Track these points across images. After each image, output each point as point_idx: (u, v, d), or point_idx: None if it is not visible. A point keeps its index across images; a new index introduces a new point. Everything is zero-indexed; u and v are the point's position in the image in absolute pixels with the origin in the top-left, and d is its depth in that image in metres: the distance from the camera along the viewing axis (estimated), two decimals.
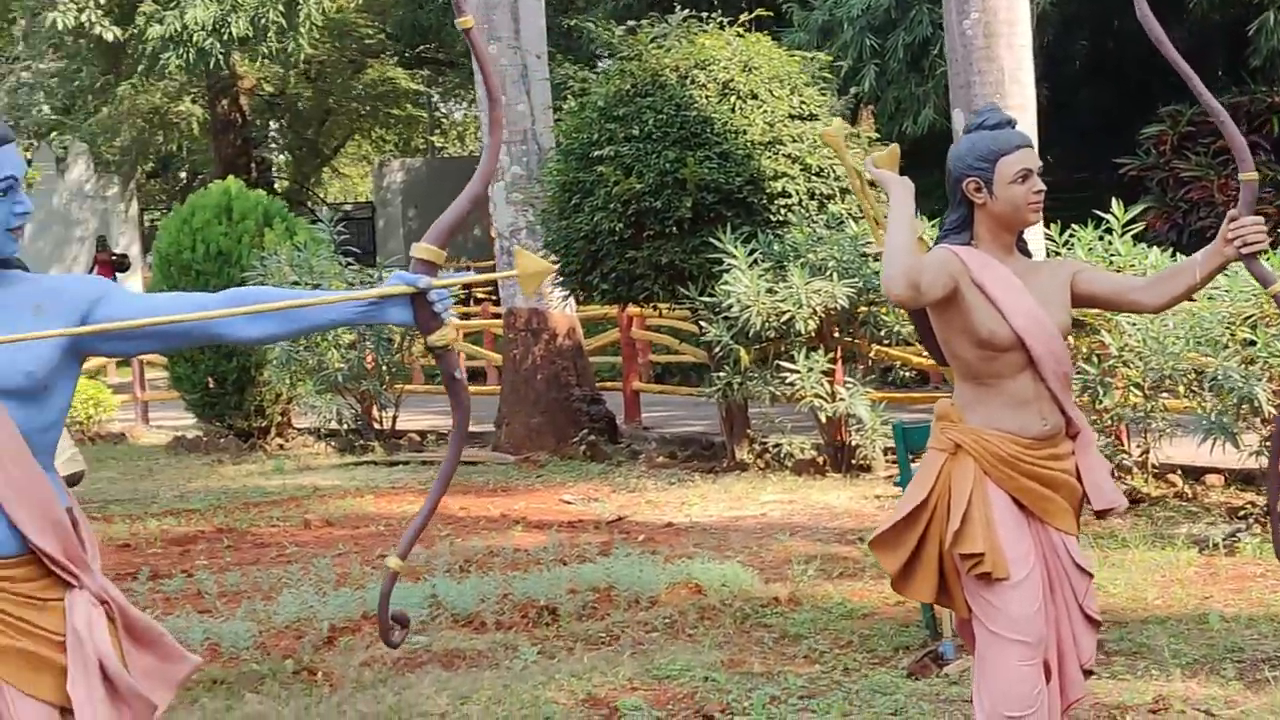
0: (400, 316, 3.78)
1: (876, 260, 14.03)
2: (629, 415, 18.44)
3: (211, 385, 19.11)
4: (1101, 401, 11.89)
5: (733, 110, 15.18)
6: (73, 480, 14.81)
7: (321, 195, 51.41)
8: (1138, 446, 12.25)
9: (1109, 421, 12.04)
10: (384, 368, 18.20)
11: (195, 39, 29.86)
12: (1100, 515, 5.42)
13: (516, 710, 7.31)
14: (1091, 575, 5.32)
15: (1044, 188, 5.22)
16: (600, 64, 16.94)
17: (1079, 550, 5.29)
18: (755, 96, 15.33)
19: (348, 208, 49.11)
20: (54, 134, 41.95)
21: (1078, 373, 12.16)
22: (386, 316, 3.79)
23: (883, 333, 14.11)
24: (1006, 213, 5.18)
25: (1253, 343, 10.89)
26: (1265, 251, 5.17)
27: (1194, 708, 6.80)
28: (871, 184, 6.68)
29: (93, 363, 23.82)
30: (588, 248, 15.17)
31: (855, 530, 11.30)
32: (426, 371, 20.60)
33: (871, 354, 14.89)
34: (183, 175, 49.87)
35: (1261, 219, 5.09)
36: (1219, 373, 10.85)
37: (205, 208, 19.69)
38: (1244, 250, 5.03)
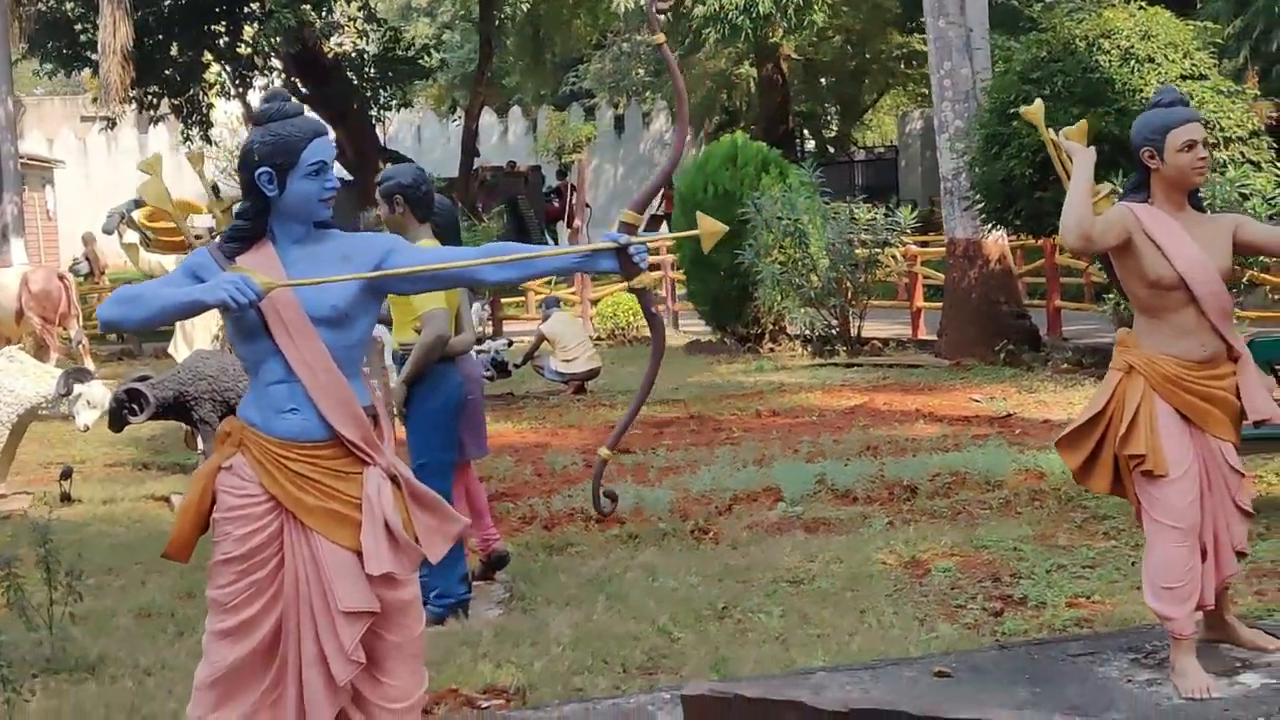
0: (609, 265, 4.11)
1: (1247, 199, 13.64)
2: (1051, 329, 18.21)
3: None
4: None
5: (1131, 73, 14.87)
6: (591, 374, 15.77)
7: (859, 141, 51.47)
8: None
9: None
10: (850, 286, 18.55)
11: (730, 16, 30.53)
12: (1257, 425, 5.44)
13: (849, 568, 7.60)
14: (1244, 475, 5.34)
15: (1207, 155, 5.26)
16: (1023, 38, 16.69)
17: (1234, 454, 5.32)
18: (1152, 60, 14.97)
19: (880, 150, 49.33)
20: (647, 93, 43.49)
21: None
22: (599, 265, 4.13)
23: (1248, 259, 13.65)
24: (1175, 176, 5.27)
25: None
26: None
27: None
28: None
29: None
30: (1004, 189, 15.12)
31: None
32: (885, 290, 20.71)
33: (1244, 278, 14.40)
34: (742, 128, 50.90)
35: None
36: None
37: (716, 156, 20.26)
38: None
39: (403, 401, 6.86)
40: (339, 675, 3.97)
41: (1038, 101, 6.17)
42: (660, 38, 4.39)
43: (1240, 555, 5.40)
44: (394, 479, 4.16)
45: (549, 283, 25.21)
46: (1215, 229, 5.33)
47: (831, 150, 49.18)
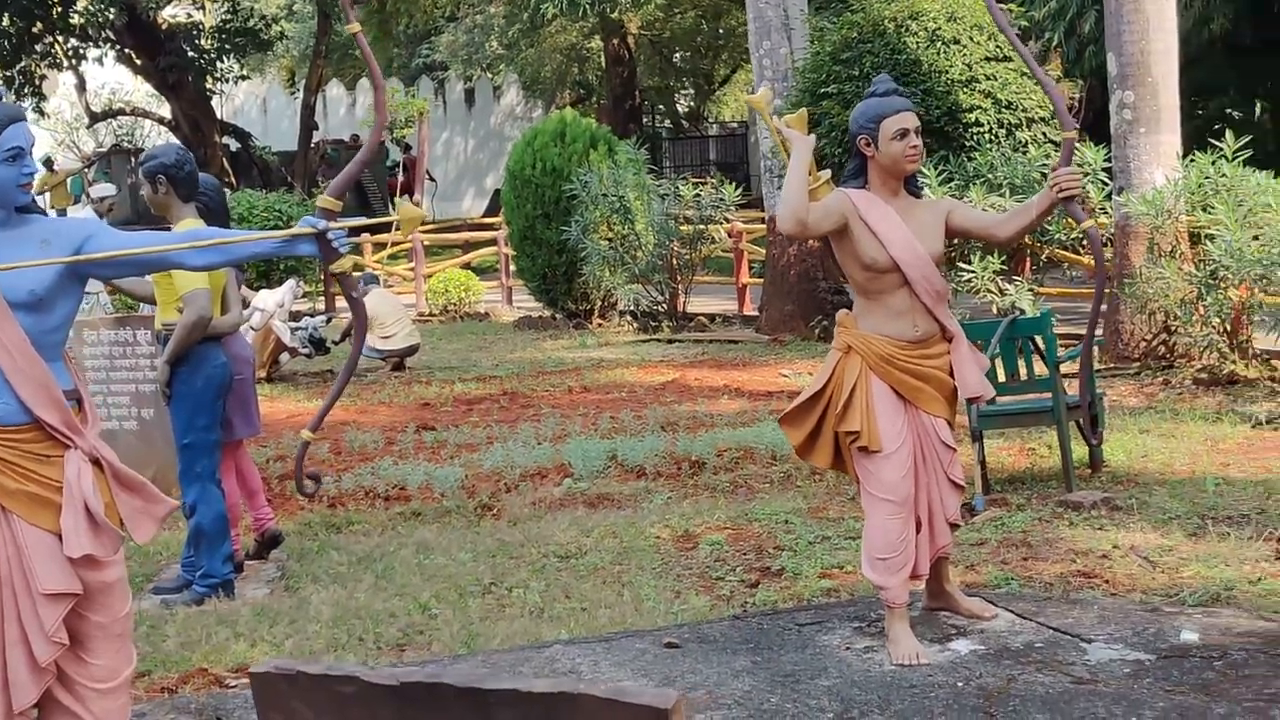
0: (308, 250, 4.19)
1: (1044, 177, 14.01)
2: None
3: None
4: (1206, 298, 11.77)
5: (938, 54, 15.23)
6: (410, 351, 15.81)
7: (713, 116, 51.66)
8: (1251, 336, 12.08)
9: (1216, 314, 11.89)
10: (676, 262, 18.78)
11: None
12: (970, 403, 5.69)
13: (621, 543, 7.77)
14: (955, 450, 5.58)
15: (919, 143, 5.48)
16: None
17: (947, 430, 5.55)
18: (958, 42, 15.35)
19: (733, 126, 49.64)
20: (500, 67, 43.37)
21: (1191, 277, 12.03)
22: (298, 250, 4.21)
23: (1046, 238, 14.06)
24: (889, 164, 5.47)
25: None
26: (1079, 196, 5.35)
27: (1138, 554, 6.90)
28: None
29: (467, 256, 24.94)
30: (817, 169, 15.37)
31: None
32: (714, 265, 20.94)
33: (1044, 255, 14.81)
34: (596, 101, 50.91)
35: (1077, 170, 5.31)
36: None
37: (545, 132, 20.37)
38: (1061, 195, 5.28)
39: (165, 382, 6.90)
40: (41, 656, 4.03)
41: (763, 88, 6.36)
42: (355, 27, 4.47)
43: (953, 526, 5.64)
44: (96, 462, 4.22)
45: (383, 259, 25.18)
46: (929, 214, 5.55)
47: (685, 125, 49.49)
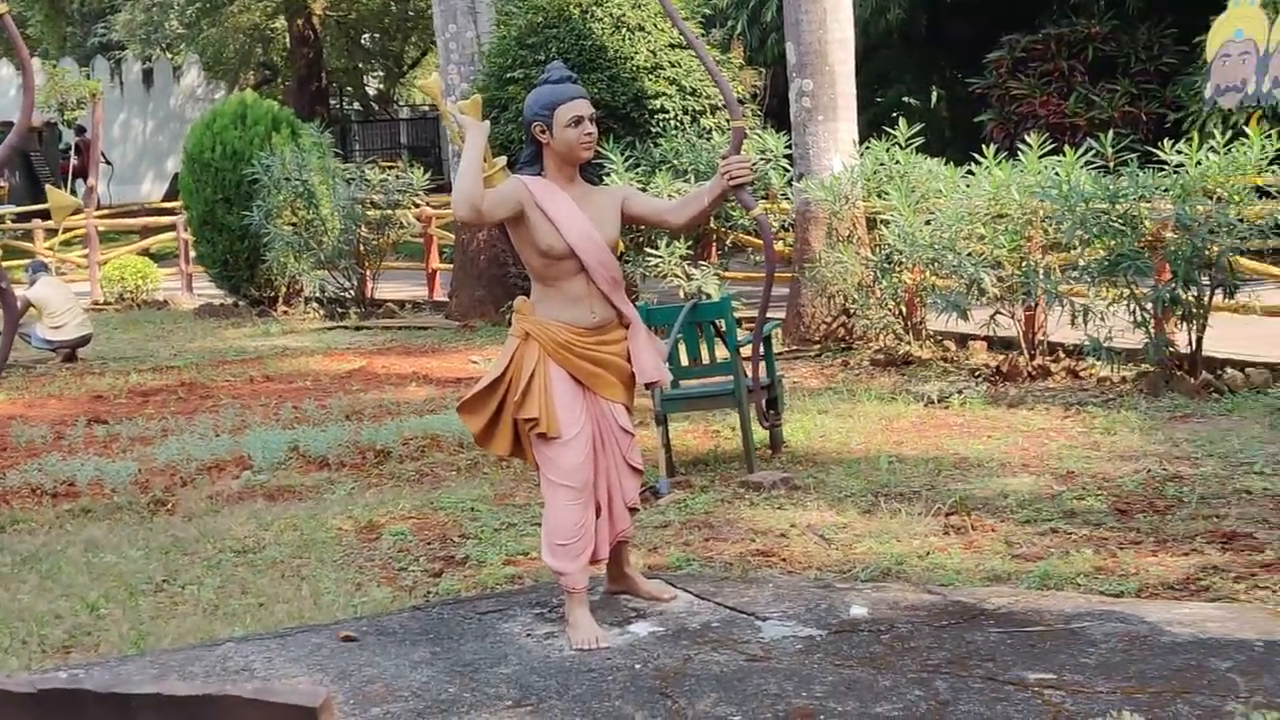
0: None
1: None
2: None
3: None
4: (881, 281, 12.21)
5: (623, 40, 15.41)
6: (82, 341, 15.31)
7: (404, 99, 51.19)
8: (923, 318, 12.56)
9: (892, 297, 12.33)
10: (364, 248, 18.60)
11: None
12: (649, 388, 5.79)
13: (302, 535, 7.66)
14: (633, 435, 5.67)
15: (594, 131, 5.54)
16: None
17: (625, 415, 5.63)
18: (642, 29, 15.56)
19: (425, 109, 49.28)
20: (182, 47, 42.15)
21: (868, 261, 12.44)
22: None
23: (731, 223, 14.39)
24: (564, 150, 5.50)
25: (983, 237, 11.17)
26: (751, 184, 5.49)
27: (814, 532, 7.11)
28: None
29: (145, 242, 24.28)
30: (503, 153, 15.41)
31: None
32: (403, 251, 20.81)
33: (730, 240, 15.15)
34: (281, 83, 49.97)
35: (748, 158, 5.45)
36: (955, 260, 11.13)
37: (225, 114, 19.94)
38: (731, 183, 5.42)
39: None
40: None
41: (434, 75, 6.34)
42: (2, 8, 4.32)
43: (632, 511, 5.73)
44: None
45: (54, 246, 24.32)
46: (605, 201, 5.62)
47: (375, 109, 48.96)
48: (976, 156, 11.70)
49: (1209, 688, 4.61)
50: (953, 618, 5.47)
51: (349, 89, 48.26)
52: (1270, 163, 10.30)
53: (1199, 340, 10.35)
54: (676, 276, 13.88)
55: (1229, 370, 10.35)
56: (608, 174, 13.95)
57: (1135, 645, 5.06)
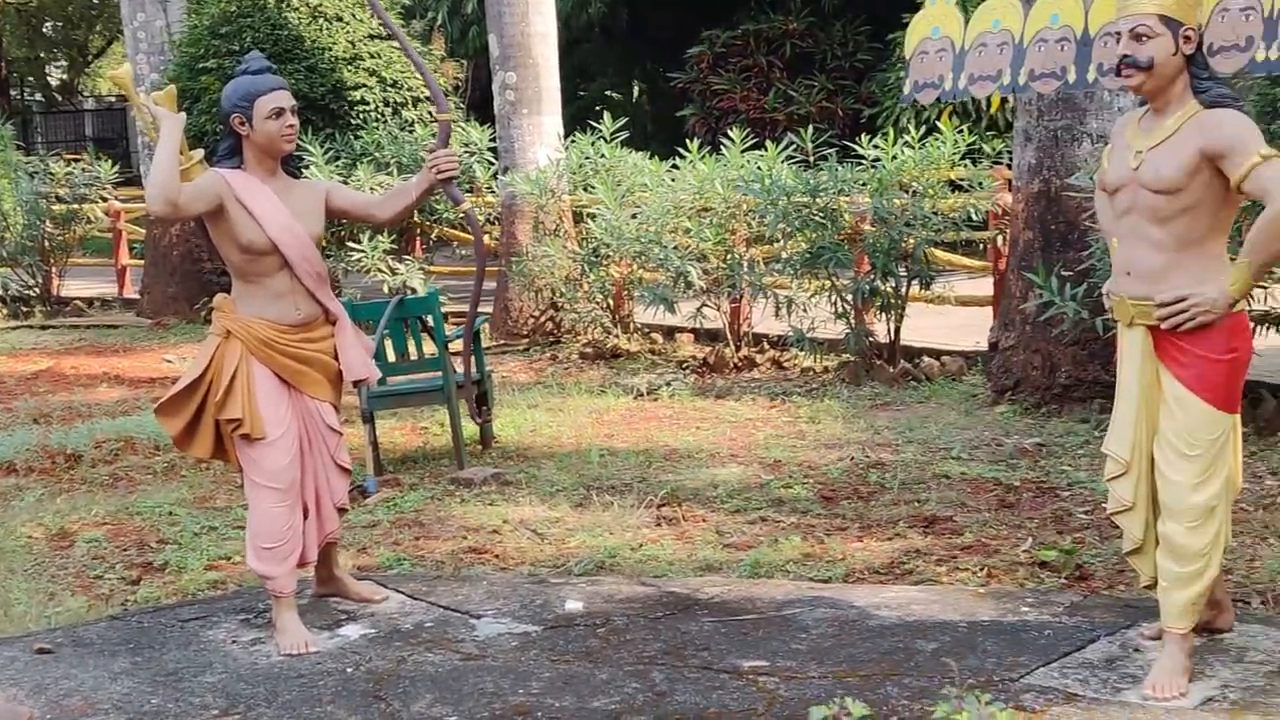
0: None
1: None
2: None
3: None
4: (589, 275, 12.28)
5: (320, 30, 15.18)
6: None
7: (90, 90, 49.49)
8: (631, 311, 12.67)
9: (600, 291, 12.41)
10: (48, 244, 17.94)
11: None
12: (357, 385, 5.71)
13: None
14: (341, 434, 5.58)
15: (295, 123, 5.43)
16: None
17: (333, 414, 5.54)
18: (340, 19, 15.36)
19: (112, 100, 47.71)
20: None
21: (575, 255, 12.50)
22: None
23: (435, 217, 14.31)
24: (264, 143, 5.38)
25: (689, 230, 11.33)
26: (456, 177, 5.47)
27: (527, 528, 7.10)
28: None
29: None
30: (197, 145, 15.04)
31: None
32: (91, 246, 20.11)
33: (435, 234, 15.06)
34: None
35: (454, 152, 5.43)
36: (662, 254, 11.26)
37: None
38: (440, 177, 5.38)
39: None
40: None
41: (124, 65, 6.14)
42: None
43: (341, 511, 5.64)
44: None
45: None
46: (308, 195, 5.51)
47: (58, 99, 47.25)
48: (681, 151, 11.86)
49: (917, 669, 4.75)
50: (667, 608, 5.53)
51: (30, 79, 46.50)
52: (962, 157, 10.69)
53: (897, 330, 10.68)
54: (380, 271, 13.75)
55: (926, 359, 10.70)
56: (306, 167, 13.72)
57: (845, 629, 5.19)
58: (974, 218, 10.71)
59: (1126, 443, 4.61)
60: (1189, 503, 4.45)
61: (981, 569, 6.09)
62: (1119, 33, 4.51)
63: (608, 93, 21.62)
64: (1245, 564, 5.87)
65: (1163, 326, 4.46)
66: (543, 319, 13.18)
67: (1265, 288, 7.90)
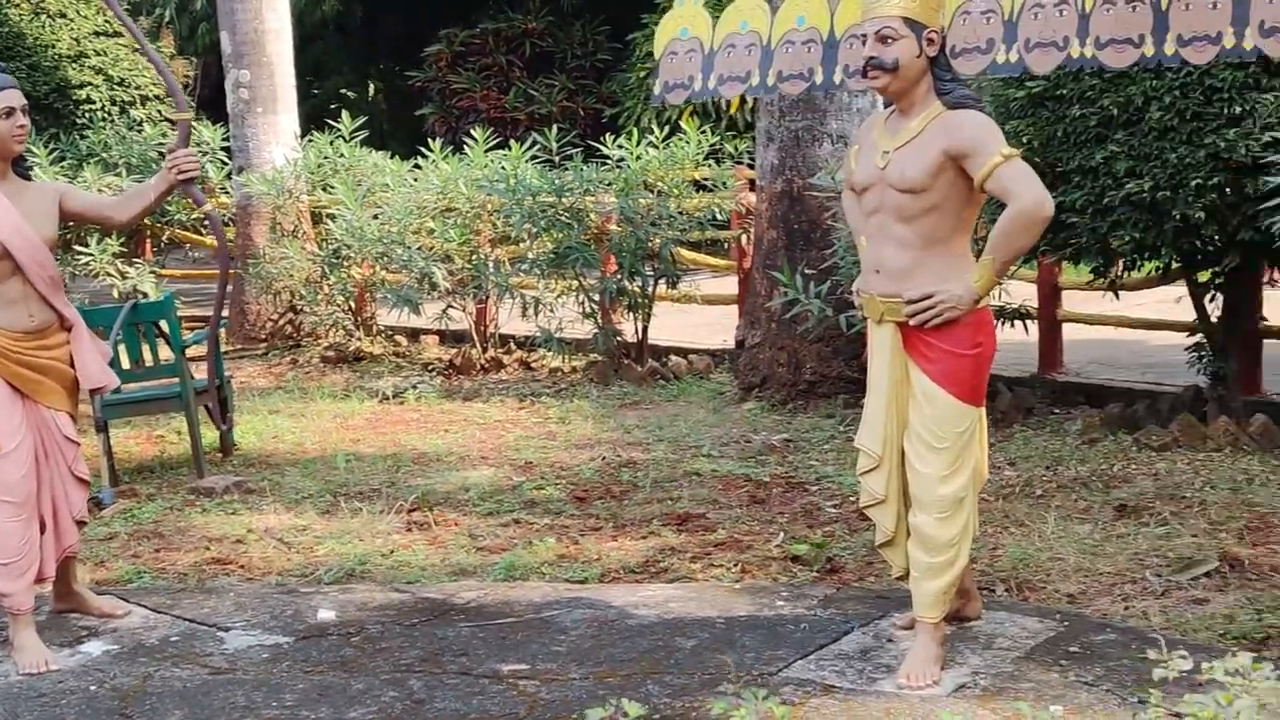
0: None
1: (163, 156, 13.90)
2: None
3: None
4: (330, 277, 12.14)
5: (43, 27, 14.73)
6: None
7: None
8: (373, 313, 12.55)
9: (341, 293, 12.27)
10: None
11: None
12: (93, 394, 5.54)
13: None
14: (79, 444, 5.41)
15: (26, 123, 5.26)
16: None
17: (70, 424, 5.36)
18: (64, 15, 14.92)
19: None
20: None
21: (315, 256, 12.33)
22: None
23: (167, 219, 14.00)
24: None
25: (433, 230, 11.28)
26: (198, 178, 5.36)
27: (273, 536, 6.96)
28: None
29: None
30: None
31: None
32: None
33: (166, 237, 14.71)
34: None
35: (195, 152, 5.32)
36: (405, 255, 11.19)
37: None
38: (180, 177, 5.26)
39: None
40: None
41: None
42: None
43: (80, 524, 5.47)
44: None
45: None
46: (40, 198, 5.34)
47: None
48: (421, 150, 11.79)
49: (677, 666, 4.80)
50: (423, 615, 5.48)
51: None
52: (706, 157, 10.84)
53: (645, 329, 10.78)
54: (110, 275, 13.38)
55: (674, 358, 10.83)
56: (31, 168, 13.26)
57: (604, 630, 5.21)
58: (718, 217, 10.87)
59: (878, 437, 4.73)
60: (938, 494, 4.58)
61: (736, 565, 6.17)
62: (864, 35, 4.62)
63: (343, 91, 21.38)
64: (989, 553, 6.06)
65: (911, 323, 4.58)
66: (281, 322, 12.96)
67: (1001, 284, 8.17)
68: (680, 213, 10.59)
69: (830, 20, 5.14)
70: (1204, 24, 4.23)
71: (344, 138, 12.64)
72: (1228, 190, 7.16)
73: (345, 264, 12.07)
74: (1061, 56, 4.55)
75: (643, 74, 17.18)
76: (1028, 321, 8.84)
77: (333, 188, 12.19)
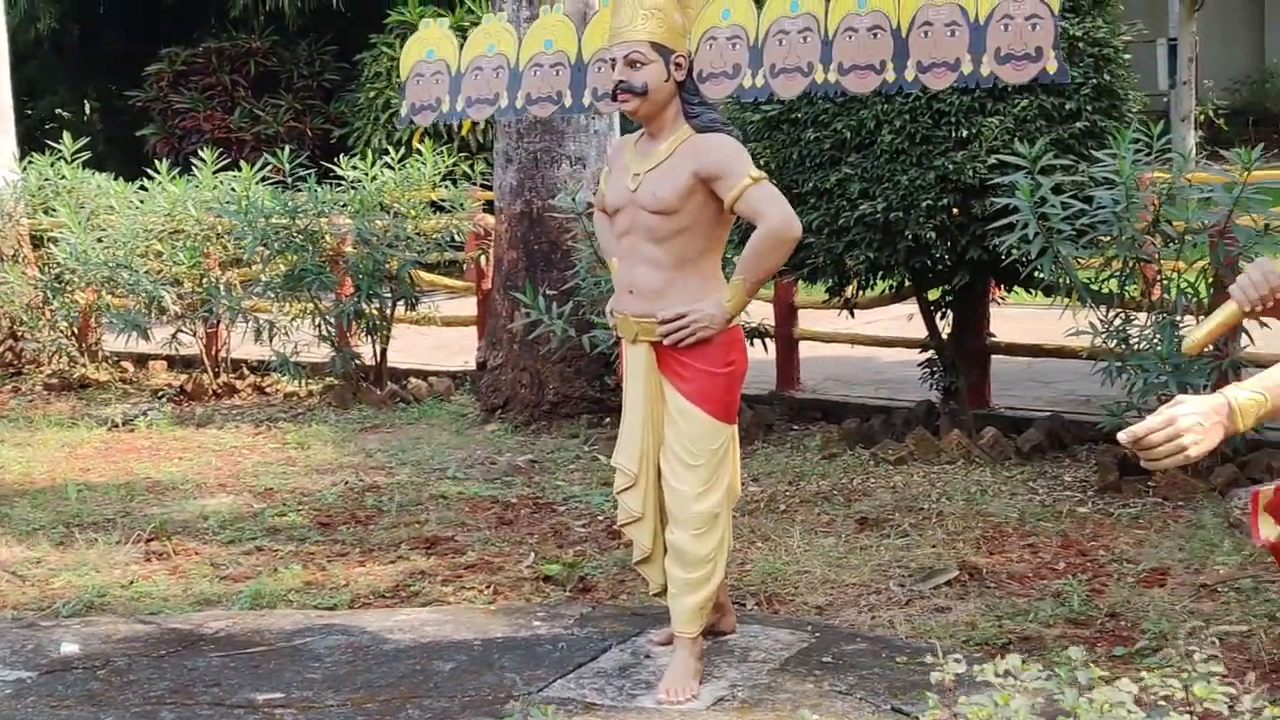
0: None
1: None
2: None
3: None
4: (52, 302, 11.81)
5: None
6: None
7: None
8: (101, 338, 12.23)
9: (65, 318, 11.94)
10: None
11: None
12: None
13: None
14: None
15: None
16: None
17: None
18: None
19: None
20: None
21: (36, 281, 11.97)
22: None
23: None
24: None
25: (161, 254, 11.06)
26: None
27: (5, 569, 6.75)
28: None
29: None
30: None
31: None
32: None
33: None
34: None
35: None
36: (132, 278, 10.94)
37: None
38: None
39: None
40: None
41: None
42: None
43: None
44: None
45: None
46: None
47: None
48: (146, 171, 11.55)
49: (436, 690, 4.81)
50: (170, 646, 5.39)
51: None
52: (443, 178, 10.85)
53: (383, 352, 10.73)
54: None
55: (413, 380, 10.79)
56: None
57: (359, 655, 5.19)
58: (456, 239, 10.88)
59: (634, 455, 4.81)
60: (694, 510, 4.68)
61: (488, 587, 6.20)
62: (613, 59, 4.72)
63: (58, 111, 20.75)
64: (738, 568, 6.19)
65: (665, 342, 4.68)
66: (1, 349, 12.54)
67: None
68: (418, 234, 10.57)
69: (578, 44, 5.22)
70: (943, 51, 4.44)
71: (65, 159, 12.30)
72: (956, 211, 7.46)
73: (69, 289, 11.74)
74: (806, 81, 4.71)
75: (372, 94, 17.06)
76: (766, 340, 9.06)
77: (54, 211, 11.85)
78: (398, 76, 16.48)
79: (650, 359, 4.76)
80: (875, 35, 4.56)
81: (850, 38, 4.61)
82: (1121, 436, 2.85)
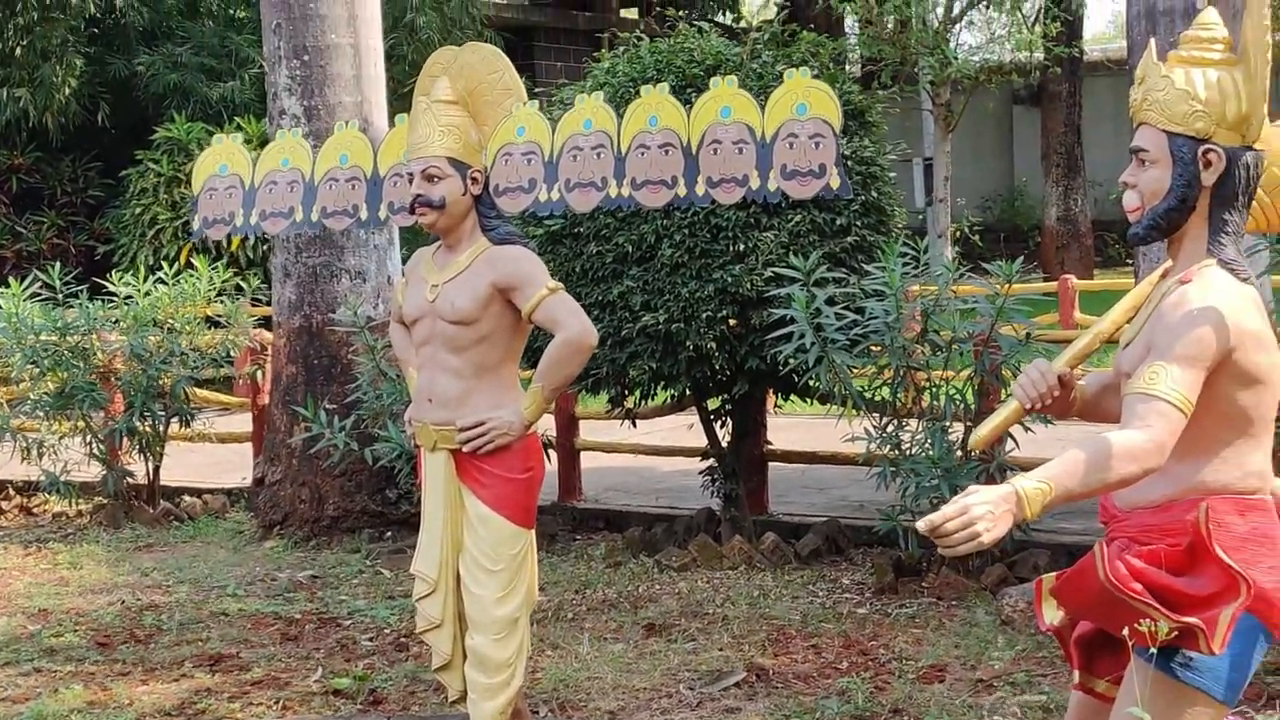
0: None
1: None
2: None
3: None
4: None
5: None
6: None
7: None
8: None
9: None
10: None
11: None
12: None
13: None
14: None
15: None
16: None
17: None
18: None
19: None
20: None
21: None
22: None
23: None
24: None
25: None
26: None
27: None
28: None
29: None
30: None
31: None
32: None
33: None
34: None
35: None
36: None
37: None
38: None
39: None
40: None
41: None
42: None
43: None
44: None
45: None
46: None
47: None
48: None
49: None
50: None
51: None
52: (218, 294, 10.78)
53: (157, 469, 10.57)
54: None
55: (188, 497, 10.64)
56: None
57: None
58: (231, 354, 10.80)
59: (434, 562, 4.87)
60: (494, 616, 4.75)
61: (276, 703, 6.16)
62: (411, 173, 4.83)
63: None
64: (529, 676, 6.25)
65: (464, 449, 4.76)
66: None
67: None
68: (194, 349, 10.48)
69: (374, 159, 5.32)
70: (731, 168, 4.64)
71: None
72: (735, 322, 7.68)
73: None
74: (601, 196, 4.87)
75: (138, 210, 16.85)
76: (549, 450, 9.16)
77: None
78: (164, 192, 16.57)
79: (450, 466, 4.83)
80: (667, 152, 4.74)
81: (642, 154, 4.78)
82: (920, 525, 3.01)
